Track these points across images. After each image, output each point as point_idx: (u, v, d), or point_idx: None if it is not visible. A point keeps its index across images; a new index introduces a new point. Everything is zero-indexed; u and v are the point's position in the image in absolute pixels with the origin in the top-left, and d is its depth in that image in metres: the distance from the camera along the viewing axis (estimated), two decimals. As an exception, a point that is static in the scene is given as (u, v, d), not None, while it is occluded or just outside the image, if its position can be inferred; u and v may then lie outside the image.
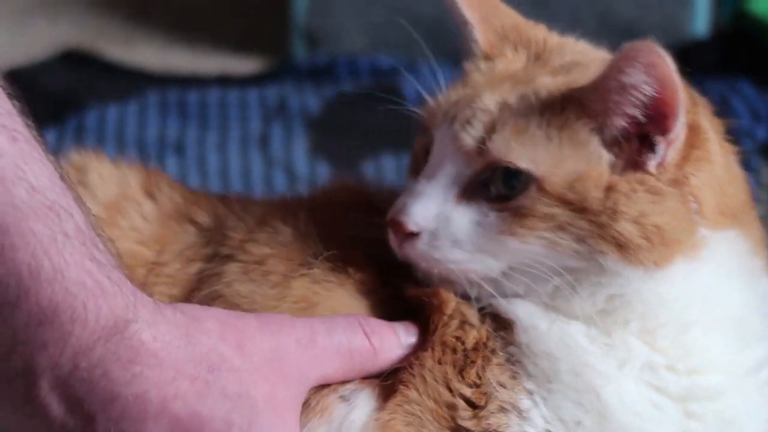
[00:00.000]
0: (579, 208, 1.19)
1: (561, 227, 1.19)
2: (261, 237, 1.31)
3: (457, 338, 1.21)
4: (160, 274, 1.30)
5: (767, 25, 2.78)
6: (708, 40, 2.84)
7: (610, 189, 1.20)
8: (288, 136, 2.38)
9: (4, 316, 1.08)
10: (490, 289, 1.21)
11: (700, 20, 2.88)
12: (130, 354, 1.09)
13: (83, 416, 1.09)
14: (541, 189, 1.19)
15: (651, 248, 1.20)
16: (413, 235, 1.20)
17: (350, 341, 1.21)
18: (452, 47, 2.72)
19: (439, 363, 1.20)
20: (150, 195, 1.38)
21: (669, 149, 1.21)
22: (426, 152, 1.25)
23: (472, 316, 1.22)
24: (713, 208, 1.24)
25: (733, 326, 1.25)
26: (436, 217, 1.21)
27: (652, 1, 2.87)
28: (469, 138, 1.20)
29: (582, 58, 1.31)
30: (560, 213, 1.19)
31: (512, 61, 1.31)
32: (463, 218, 1.21)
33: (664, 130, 1.20)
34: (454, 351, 1.21)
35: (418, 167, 1.26)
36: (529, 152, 1.19)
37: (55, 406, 1.09)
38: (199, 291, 1.29)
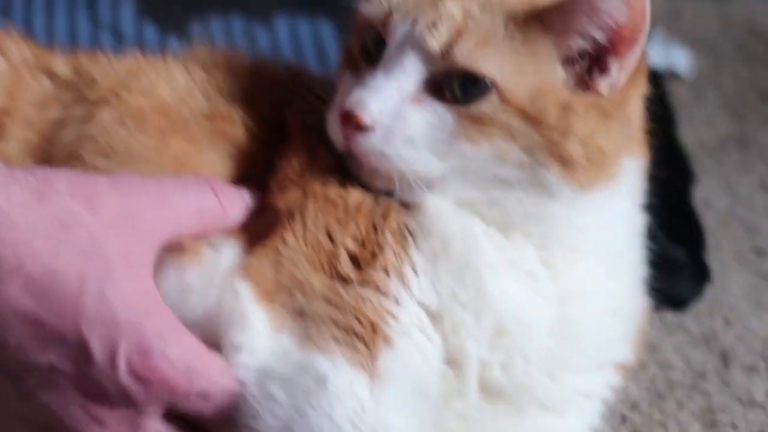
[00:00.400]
0: (535, 121, 1.21)
1: (514, 137, 1.21)
2: (136, 87, 1.32)
3: (340, 196, 1.23)
4: (15, 119, 1.29)
5: None
6: None
7: (566, 107, 1.22)
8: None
9: None
10: (421, 189, 1.23)
11: None
12: None
13: None
14: (503, 98, 1.20)
15: (588, 169, 1.24)
16: (365, 129, 1.20)
17: (200, 201, 1.22)
18: None
19: (321, 213, 1.22)
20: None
21: (621, 72, 1.24)
22: (365, 49, 1.27)
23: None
24: (639, 134, 1.30)
25: (615, 257, 1.30)
26: (393, 114, 1.21)
27: None
28: (434, 41, 1.21)
29: None
30: (517, 123, 1.21)
31: None
32: (419, 117, 1.22)
33: (621, 54, 1.23)
34: (335, 206, 1.23)
35: (355, 63, 1.27)
36: (493, 62, 1.21)
37: None
38: (61, 134, 1.29)
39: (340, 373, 1.14)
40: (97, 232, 1.13)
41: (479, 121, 1.19)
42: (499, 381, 1.24)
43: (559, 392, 1.27)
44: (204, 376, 1.12)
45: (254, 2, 2.34)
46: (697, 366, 1.60)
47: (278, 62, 1.43)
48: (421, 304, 1.20)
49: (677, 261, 1.67)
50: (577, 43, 1.23)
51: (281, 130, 1.31)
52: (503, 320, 1.22)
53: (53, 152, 1.28)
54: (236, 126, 1.31)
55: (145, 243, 1.17)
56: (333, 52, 2.21)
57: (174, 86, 1.33)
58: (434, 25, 1.21)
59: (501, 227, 1.24)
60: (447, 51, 1.20)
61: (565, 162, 1.21)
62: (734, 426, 1.51)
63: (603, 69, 1.23)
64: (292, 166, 1.27)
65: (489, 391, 1.24)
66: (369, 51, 1.25)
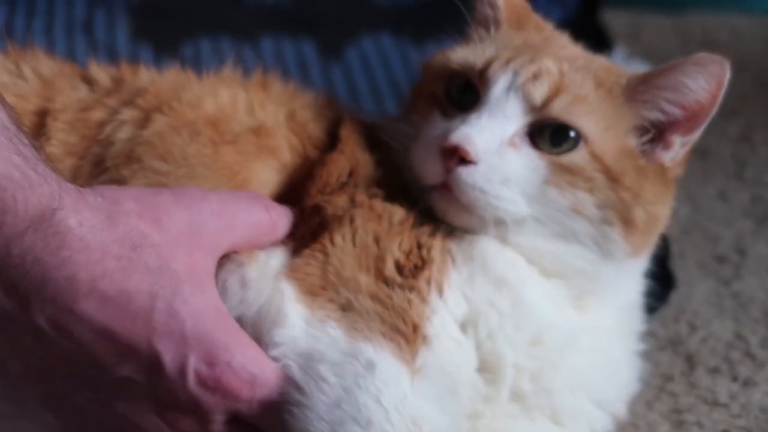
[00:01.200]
0: (615, 179, 1.28)
1: (594, 191, 1.28)
2: (186, 99, 1.37)
3: (385, 210, 1.30)
4: (57, 121, 1.32)
5: None
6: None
7: (641, 172, 1.30)
8: (111, 21, 2.38)
9: None
10: (499, 231, 1.30)
11: None
12: (58, 240, 1.12)
13: (19, 299, 1.13)
14: (592, 153, 1.28)
15: (644, 234, 1.33)
16: (469, 162, 1.25)
17: (255, 216, 1.27)
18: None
19: (369, 221, 1.28)
20: (20, 62, 1.39)
21: (683, 149, 1.33)
22: (452, 89, 1.34)
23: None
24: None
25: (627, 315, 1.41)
26: (495, 153, 1.26)
27: None
28: (537, 93, 1.27)
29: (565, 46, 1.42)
30: (600, 179, 1.28)
31: (532, 34, 1.39)
32: (517, 160, 1.27)
33: (687, 132, 1.32)
34: (380, 217, 1.29)
35: (441, 105, 1.34)
36: (586, 118, 1.28)
37: None
38: (112, 135, 1.33)
39: (387, 362, 1.19)
40: (164, 250, 1.18)
41: (569, 171, 1.27)
42: (527, 388, 1.30)
43: (573, 408, 1.33)
44: (266, 384, 1.17)
45: (241, 24, 2.35)
46: (665, 369, 1.62)
47: (308, 88, 1.49)
48: (452, 314, 1.27)
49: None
50: (654, 115, 1.31)
51: (319, 145, 1.38)
52: (541, 330, 1.30)
53: (105, 154, 1.32)
54: (279, 141, 1.37)
55: (208, 255, 1.22)
56: (315, 70, 2.23)
57: (218, 102, 1.38)
58: (536, 78, 1.28)
59: (545, 272, 1.32)
60: (547, 103, 1.27)
61: (628, 224, 1.30)
62: (700, 425, 1.54)
63: (665, 142, 1.31)
64: (339, 174, 1.34)
65: (515, 396, 1.30)
66: (453, 96, 1.32)
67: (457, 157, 1.26)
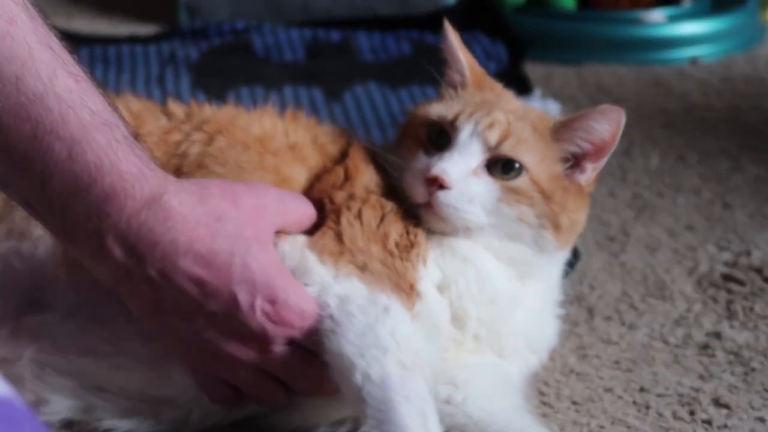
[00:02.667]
0: (547, 196, 1.33)
1: (533, 205, 1.32)
2: (238, 125, 1.40)
3: (381, 204, 1.34)
4: (146, 141, 1.31)
5: (494, -4, 2.81)
6: (456, 7, 2.85)
7: (565, 190, 1.35)
8: (177, 76, 2.38)
9: (81, 197, 1.16)
10: (467, 235, 1.34)
11: (450, -7, 2.89)
12: (164, 215, 1.18)
13: (136, 257, 1.18)
14: (531, 179, 1.32)
15: (567, 234, 1.37)
16: (446, 188, 1.29)
17: (303, 208, 1.32)
18: (282, 17, 2.70)
19: (371, 208, 1.33)
20: (115, 102, 1.34)
21: (593, 172, 1.38)
22: (431, 134, 1.36)
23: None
24: None
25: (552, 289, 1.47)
26: (463, 181, 1.30)
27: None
28: (492, 137, 1.32)
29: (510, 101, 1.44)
30: (537, 196, 1.33)
31: (489, 94, 1.41)
32: (478, 185, 1.31)
33: (596, 160, 1.36)
34: (376, 209, 1.33)
35: (424, 146, 1.36)
36: (527, 154, 1.32)
37: (117, 252, 1.18)
38: (187, 150, 1.37)
39: (397, 308, 1.23)
40: (239, 222, 1.22)
41: (516, 192, 1.30)
42: (483, 334, 1.34)
43: (513, 348, 1.37)
44: (311, 317, 1.22)
45: (270, 76, 2.35)
46: (572, 317, 1.62)
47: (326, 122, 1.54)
48: (432, 280, 1.31)
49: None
50: (571, 149, 1.35)
51: (334, 160, 1.41)
52: (495, 294, 1.34)
53: (182, 163, 1.36)
54: (307, 154, 1.40)
55: (269, 228, 1.25)
56: (323, 109, 2.23)
57: (262, 127, 1.41)
58: (491, 126, 1.32)
59: (497, 259, 1.36)
60: (499, 144, 1.31)
61: (557, 228, 1.33)
62: (598, 357, 1.54)
63: (581, 168, 1.35)
64: (337, 178, 1.37)
65: (474, 338, 1.35)
66: (432, 139, 1.35)
67: (437, 184, 1.29)
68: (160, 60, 2.47)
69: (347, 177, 1.36)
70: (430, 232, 1.34)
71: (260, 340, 1.21)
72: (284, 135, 1.41)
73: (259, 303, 1.19)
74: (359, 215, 1.31)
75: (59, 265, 1.33)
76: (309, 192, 1.36)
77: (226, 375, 1.26)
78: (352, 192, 1.34)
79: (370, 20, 2.78)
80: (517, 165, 1.32)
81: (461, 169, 1.31)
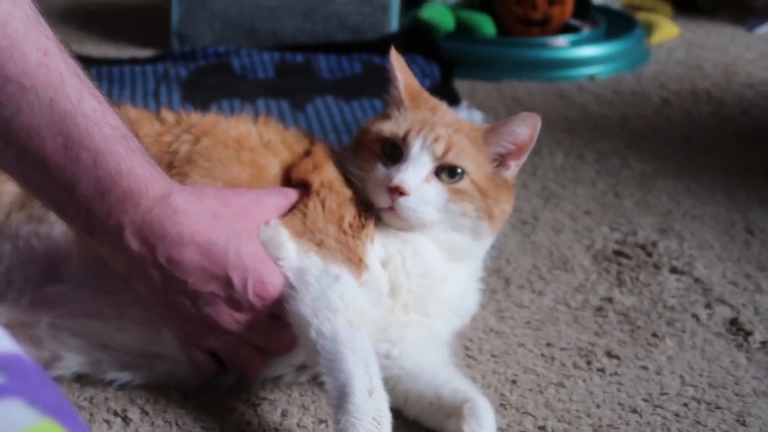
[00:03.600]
0: (484, 193, 1.33)
1: (473, 202, 1.33)
2: (219, 129, 1.40)
3: (342, 191, 1.35)
4: (143, 142, 1.30)
5: (431, 25, 2.81)
6: (398, 34, 2.84)
7: (497, 187, 1.35)
8: (169, 91, 2.36)
9: (105, 197, 1.18)
10: (420, 229, 1.35)
11: (394, 22, 2.89)
12: (171, 211, 1.19)
13: (149, 247, 1.20)
14: (472, 180, 1.32)
15: (498, 222, 1.38)
16: (405, 195, 1.30)
17: (277, 200, 1.32)
18: (256, 43, 2.68)
19: (333, 194, 1.34)
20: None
21: (516, 169, 1.39)
22: (385, 148, 1.36)
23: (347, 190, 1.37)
24: None
25: (477, 266, 1.47)
26: (418, 187, 1.31)
27: (367, 11, 2.85)
28: (438, 150, 1.32)
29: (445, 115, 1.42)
30: (476, 194, 1.33)
31: (426, 111, 1.40)
32: (432, 190, 1.32)
33: (518, 158, 1.38)
34: (339, 194, 1.34)
35: (381, 158, 1.36)
36: (467, 161, 1.33)
37: (133, 243, 1.20)
38: (178, 149, 1.37)
39: (346, 276, 1.24)
40: (231, 219, 1.24)
41: (459, 192, 1.31)
42: (411, 302, 1.35)
43: (439, 311, 1.38)
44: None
45: (246, 92, 2.34)
46: (492, 286, 1.62)
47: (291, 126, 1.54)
48: (377, 256, 1.32)
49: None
50: (499, 151, 1.36)
51: (300, 156, 1.42)
52: (428, 269, 1.34)
53: (174, 159, 1.36)
54: (280, 150, 1.41)
55: (254, 224, 1.27)
56: (289, 118, 2.22)
57: (239, 130, 1.41)
58: (436, 140, 1.32)
59: (438, 245, 1.37)
60: (444, 155, 1.32)
61: (491, 218, 1.34)
62: (513, 318, 1.54)
63: (506, 165, 1.36)
64: (307, 168, 1.38)
65: (405, 306, 1.35)
66: (387, 152, 1.35)
67: (398, 192, 1.30)
68: (156, 78, 2.45)
69: (314, 167, 1.37)
70: (380, 220, 1.35)
71: (249, 312, 1.24)
72: (258, 136, 1.41)
73: (251, 283, 1.22)
74: (323, 201, 1.32)
75: (72, 244, 1.33)
76: (287, 179, 1.38)
77: (216, 345, 1.28)
78: (322, 180, 1.35)
79: (328, 45, 2.78)
80: (459, 170, 1.32)
81: (416, 178, 1.31)
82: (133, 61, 2.64)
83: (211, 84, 2.42)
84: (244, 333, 1.26)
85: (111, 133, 1.18)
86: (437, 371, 1.28)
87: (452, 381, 1.26)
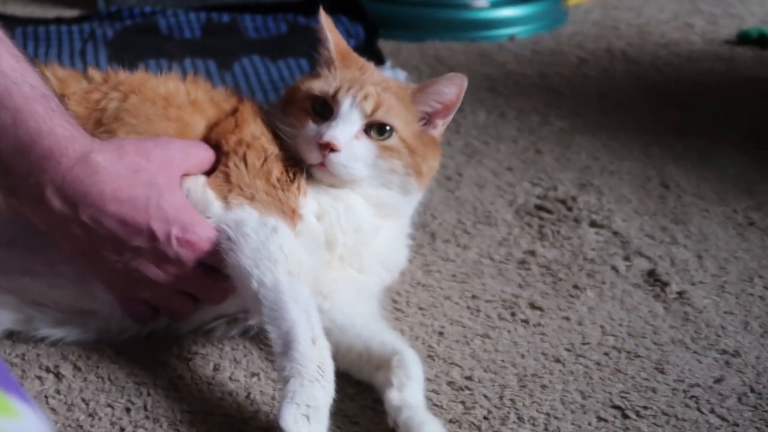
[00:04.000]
0: (412, 150, 1.33)
1: (401, 158, 1.33)
2: (147, 86, 1.38)
3: (264, 148, 1.33)
4: (69, 100, 1.32)
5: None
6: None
7: (424, 144, 1.36)
8: (96, 51, 2.31)
9: (24, 156, 1.16)
10: (350, 186, 1.35)
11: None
12: (92, 170, 1.17)
13: (71, 205, 1.17)
14: (400, 137, 1.32)
15: (425, 178, 1.39)
16: (336, 151, 1.29)
17: (201, 153, 1.31)
18: (181, 3, 2.64)
19: (254, 151, 1.32)
20: (45, 71, 1.36)
21: (442, 127, 1.39)
22: (315, 106, 1.35)
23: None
24: None
25: (405, 223, 1.48)
26: (348, 144, 1.30)
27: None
28: (368, 107, 1.31)
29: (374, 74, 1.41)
30: (404, 151, 1.33)
31: (355, 70, 1.39)
32: (360, 146, 1.31)
33: (444, 116, 1.38)
34: (261, 151, 1.32)
35: (311, 116, 1.34)
36: (395, 119, 1.32)
37: (55, 202, 1.17)
38: (106, 107, 1.34)
39: (283, 228, 1.24)
40: (151, 172, 1.21)
41: (388, 149, 1.30)
42: (347, 255, 1.35)
43: (371, 266, 1.38)
44: (214, 240, 1.23)
45: (173, 51, 2.30)
46: (418, 241, 1.61)
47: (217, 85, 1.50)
48: (311, 210, 1.31)
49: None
50: (426, 109, 1.36)
51: (227, 114, 1.39)
52: (360, 224, 1.34)
53: (102, 116, 1.32)
54: (206, 108, 1.38)
55: (176, 175, 1.25)
56: (216, 78, 2.18)
57: (168, 88, 1.38)
58: (365, 98, 1.31)
59: (368, 201, 1.37)
60: (373, 112, 1.31)
61: (419, 174, 1.34)
62: (439, 272, 1.54)
63: (433, 124, 1.36)
64: (229, 126, 1.35)
65: (341, 259, 1.35)
66: (317, 110, 1.33)
67: (329, 148, 1.29)
68: (82, 38, 2.39)
69: (236, 125, 1.35)
70: (311, 177, 1.34)
71: (176, 263, 1.22)
72: (186, 94, 1.39)
73: (174, 233, 1.20)
74: (244, 158, 1.30)
75: (1, 204, 1.29)
76: (208, 138, 1.35)
77: (147, 296, 1.26)
78: (240, 138, 1.33)
79: (254, 5, 2.73)
80: (388, 128, 1.32)
81: (347, 135, 1.30)
82: (59, 21, 2.58)
83: (137, 44, 2.37)
84: (173, 283, 1.25)
85: (30, 93, 1.16)
86: (366, 325, 1.28)
87: (381, 334, 1.26)
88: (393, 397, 1.15)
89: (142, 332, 1.33)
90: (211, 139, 1.35)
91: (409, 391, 1.15)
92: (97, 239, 1.20)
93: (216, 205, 1.26)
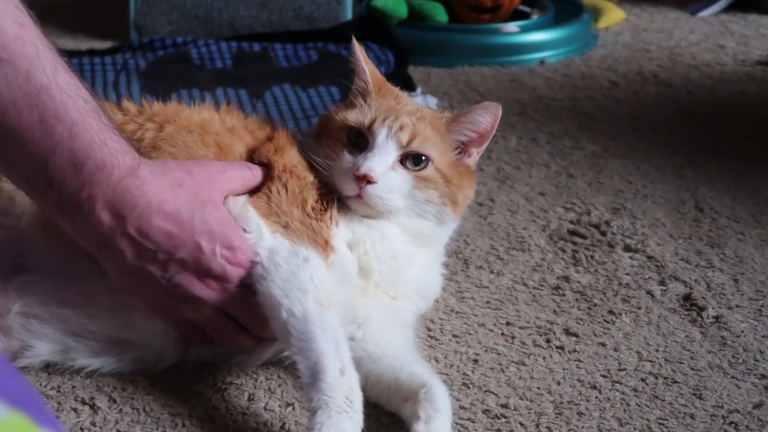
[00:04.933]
0: (448, 180, 1.33)
1: (437, 188, 1.33)
2: (181, 116, 1.39)
3: (304, 176, 1.34)
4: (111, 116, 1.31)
5: (384, 13, 2.78)
6: (352, 21, 2.83)
7: (460, 173, 1.35)
8: (129, 82, 2.33)
9: (78, 169, 1.17)
10: (388, 215, 1.34)
11: (348, 11, 2.87)
12: (140, 182, 1.19)
13: (120, 218, 1.19)
14: (436, 168, 1.32)
15: (461, 207, 1.39)
16: (372, 183, 1.29)
17: (243, 173, 1.31)
18: (212, 33, 2.66)
19: (295, 179, 1.32)
20: None
21: (477, 156, 1.39)
22: (350, 136, 1.35)
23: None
24: None
25: (440, 252, 1.48)
26: (385, 175, 1.29)
27: (322, 0, 2.83)
28: (403, 138, 1.31)
29: (408, 104, 1.41)
30: (440, 181, 1.33)
31: (391, 99, 1.39)
32: (397, 177, 1.31)
33: (479, 145, 1.37)
34: (300, 179, 1.32)
35: (347, 146, 1.34)
36: (431, 149, 1.32)
37: (105, 217, 1.19)
38: (143, 136, 1.35)
39: (314, 258, 1.24)
40: (195, 187, 1.23)
41: (424, 179, 1.30)
42: (383, 283, 1.35)
43: (406, 294, 1.38)
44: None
45: (205, 81, 2.31)
46: (451, 268, 1.60)
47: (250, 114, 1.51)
48: (343, 239, 1.31)
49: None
50: (461, 138, 1.35)
51: (262, 141, 1.40)
52: (395, 252, 1.34)
53: (139, 147, 1.31)
54: (244, 134, 1.40)
55: (219, 192, 1.26)
56: (248, 106, 2.19)
57: (202, 116, 1.39)
58: (401, 129, 1.31)
59: (403, 231, 1.36)
60: (409, 143, 1.31)
61: (454, 204, 1.34)
62: (473, 299, 1.53)
63: (468, 153, 1.36)
64: (269, 151, 1.36)
65: (375, 287, 1.35)
66: (352, 141, 1.33)
67: (366, 180, 1.29)
68: (115, 69, 2.41)
69: (276, 150, 1.35)
70: (343, 206, 1.34)
71: (220, 279, 1.23)
72: (221, 122, 1.40)
73: (219, 248, 1.21)
74: (286, 185, 1.31)
75: (39, 233, 1.31)
76: (250, 159, 1.37)
77: (191, 315, 1.26)
78: (285, 164, 1.33)
79: (284, 34, 2.75)
80: (424, 158, 1.32)
81: (383, 166, 1.30)
82: (92, 53, 2.60)
83: (169, 74, 2.39)
84: (216, 302, 1.25)
85: (84, 107, 1.17)
86: (397, 355, 1.27)
87: (411, 365, 1.24)
88: (420, 430, 1.13)
89: (178, 362, 1.32)
90: (256, 161, 1.35)
91: (435, 423, 1.14)
92: (142, 252, 1.21)
93: (258, 223, 1.27)
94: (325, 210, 1.31)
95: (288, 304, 1.18)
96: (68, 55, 2.49)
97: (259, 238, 1.25)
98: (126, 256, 1.21)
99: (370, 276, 1.33)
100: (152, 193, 1.20)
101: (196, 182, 1.24)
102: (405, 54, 2.57)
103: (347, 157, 1.33)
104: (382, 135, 1.32)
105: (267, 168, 1.34)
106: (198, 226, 1.21)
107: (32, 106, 1.14)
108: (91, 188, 1.18)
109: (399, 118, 1.34)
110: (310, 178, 1.34)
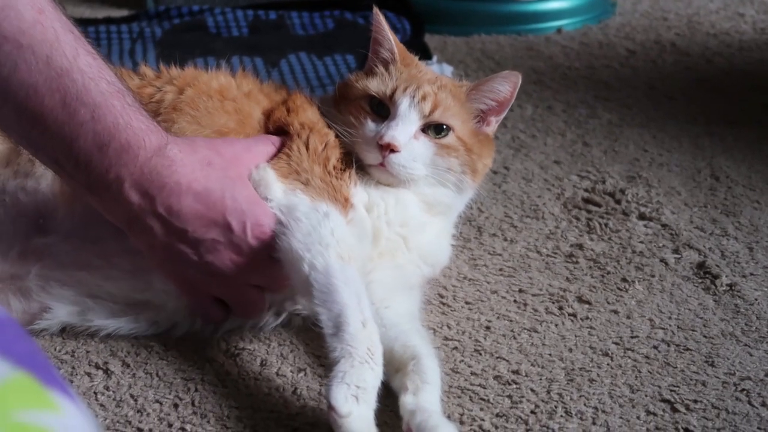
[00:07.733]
0: (468, 148, 1.34)
1: (458, 156, 1.34)
2: (200, 81, 1.40)
3: (325, 133, 1.36)
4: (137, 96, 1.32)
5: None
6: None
7: (480, 142, 1.36)
8: (145, 50, 2.33)
9: (103, 151, 1.17)
10: (408, 185, 1.35)
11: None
12: (169, 161, 1.19)
13: (149, 198, 1.19)
14: (457, 136, 1.33)
15: (480, 175, 1.39)
16: (396, 151, 1.30)
17: (266, 148, 1.32)
18: (229, 1, 2.64)
19: (317, 136, 1.34)
20: None
21: (496, 124, 1.39)
22: (372, 105, 1.35)
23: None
24: None
25: (453, 219, 1.47)
26: (408, 144, 1.31)
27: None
28: (426, 108, 1.32)
29: (428, 73, 1.42)
30: (461, 149, 1.34)
31: (413, 68, 1.40)
32: (419, 146, 1.32)
33: (498, 114, 1.38)
34: (321, 136, 1.34)
35: (369, 115, 1.35)
36: (452, 118, 1.33)
37: (134, 196, 1.19)
38: (162, 99, 1.36)
39: (335, 213, 1.25)
40: (224, 166, 1.24)
41: (446, 147, 1.31)
42: (386, 250, 1.36)
43: (413, 260, 1.39)
44: None
45: (220, 49, 2.31)
46: (465, 235, 1.61)
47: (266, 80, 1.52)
48: (360, 200, 1.32)
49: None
50: (480, 107, 1.36)
51: (278, 103, 1.41)
52: (407, 218, 1.34)
53: (159, 108, 1.35)
54: (260, 98, 1.41)
55: (245, 170, 1.28)
56: (263, 74, 2.18)
57: (220, 82, 1.40)
58: (423, 98, 1.32)
59: (421, 200, 1.37)
60: (431, 112, 1.32)
61: (474, 172, 1.35)
62: (486, 266, 1.53)
63: (487, 121, 1.37)
64: (288, 111, 1.37)
65: (385, 251, 1.36)
66: (374, 109, 1.34)
67: (389, 149, 1.30)
68: (131, 37, 2.41)
69: (289, 111, 1.37)
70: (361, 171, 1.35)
71: (249, 254, 1.24)
72: (238, 87, 1.41)
73: (249, 225, 1.23)
74: (307, 141, 1.32)
75: (58, 197, 1.32)
76: (266, 126, 1.38)
77: (220, 292, 1.28)
78: (303, 121, 1.35)
79: (301, 2, 2.74)
80: (445, 127, 1.33)
81: (406, 135, 1.31)
82: (108, 21, 2.60)
83: (186, 42, 2.39)
84: (246, 276, 1.26)
85: (107, 88, 1.17)
86: (396, 324, 1.26)
87: (406, 335, 1.24)
88: (407, 401, 1.13)
89: (191, 328, 1.33)
90: (271, 126, 1.37)
91: (423, 395, 1.14)
92: (173, 232, 1.22)
93: (276, 187, 1.27)
94: (345, 169, 1.32)
95: (310, 257, 1.19)
96: (84, 23, 2.52)
97: (281, 197, 1.26)
98: (156, 232, 1.22)
99: (378, 241, 1.34)
100: (181, 172, 1.20)
101: (225, 160, 1.25)
102: (421, 22, 2.56)
103: (370, 125, 1.34)
104: (404, 104, 1.33)
105: (284, 135, 1.35)
106: (228, 205, 1.22)
107: (54, 90, 1.14)
108: (118, 169, 1.18)
109: (421, 87, 1.34)
110: (332, 136, 1.35)
